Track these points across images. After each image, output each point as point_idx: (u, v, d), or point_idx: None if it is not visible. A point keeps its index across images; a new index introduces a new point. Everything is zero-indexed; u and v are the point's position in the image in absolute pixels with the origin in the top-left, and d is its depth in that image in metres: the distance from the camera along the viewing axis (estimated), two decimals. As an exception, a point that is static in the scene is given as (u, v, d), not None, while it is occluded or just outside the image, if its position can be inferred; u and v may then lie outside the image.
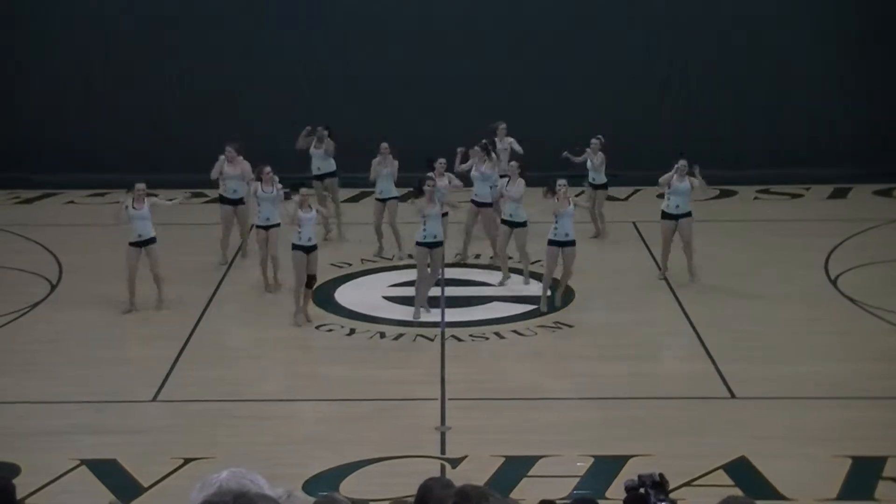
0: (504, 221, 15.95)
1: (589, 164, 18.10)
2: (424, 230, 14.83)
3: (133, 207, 14.95)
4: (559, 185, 14.98)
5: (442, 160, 16.37)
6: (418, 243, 14.91)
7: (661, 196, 16.96)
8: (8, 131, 21.93)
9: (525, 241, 15.87)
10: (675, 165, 15.99)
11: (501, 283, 16.09)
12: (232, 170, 16.78)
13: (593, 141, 18.04)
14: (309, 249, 14.61)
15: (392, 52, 21.87)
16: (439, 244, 15.03)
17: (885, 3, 22.00)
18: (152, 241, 14.98)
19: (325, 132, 17.98)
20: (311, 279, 14.67)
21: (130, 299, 15.08)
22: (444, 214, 15.62)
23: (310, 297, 14.95)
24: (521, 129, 20.48)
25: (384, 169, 17.13)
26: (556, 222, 14.95)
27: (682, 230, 15.95)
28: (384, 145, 17.27)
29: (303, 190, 14.79)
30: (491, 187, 16.49)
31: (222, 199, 17.10)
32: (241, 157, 16.86)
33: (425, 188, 14.96)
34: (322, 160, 17.99)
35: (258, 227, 15.81)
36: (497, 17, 21.90)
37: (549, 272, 15.13)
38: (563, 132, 19.89)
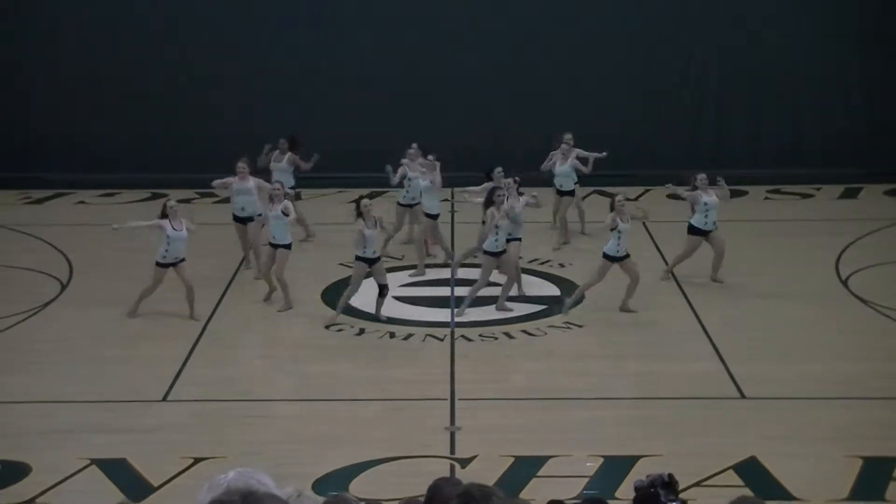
0: None
1: (557, 168, 17.56)
2: (496, 239, 14.87)
3: (174, 228, 14.71)
4: (619, 201, 14.89)
5: (499, 168, 16.34)
6: (487, 252, 14.96)
7: (672, 197, 16.99)
8: (18, 132, 22.00)
9: (518, 254, 15.81)
10: (696, 181, 15.82)
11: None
12: (241, 185, 16.44)
13: (563, 145, 17.45)
14: (373, 261, 14.71)
15: (395, 52, 21.87)
16: (504, 252, 15.11)
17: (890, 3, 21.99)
18: (182, 260, 14.86)
19: (286, 143, 17.84)
20: (383, 287, 14.86)
21: (137, 305, 14.99)
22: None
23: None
24: (529, 130, 20.57)
25: (412, 173, 17.08)
26: (620, 238, 14.70)
27: (715, 243, 15.85)
28: (412, 149, 17.20)
29: (364, 201, 14.78)
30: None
31: (234, 218, 16.67)
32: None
33: (496, 198, 14.91)
34: (282, 174, 17.68)
35: (271, 244, 15.41)
36: (500, 18, 21.88)
37: (593, 283, 15.02)
38: (576, 132, 19.93)
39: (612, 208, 14.83)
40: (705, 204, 15.71)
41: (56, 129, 21.92)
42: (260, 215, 16.07)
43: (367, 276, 14.80)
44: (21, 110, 22.12)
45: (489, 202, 15.04)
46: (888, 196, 20.85)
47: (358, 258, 14.72)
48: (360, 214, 14.63)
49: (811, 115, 21.93)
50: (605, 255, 14.84)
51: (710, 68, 21.99)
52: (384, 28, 21.93)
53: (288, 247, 15.30)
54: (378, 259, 14.85)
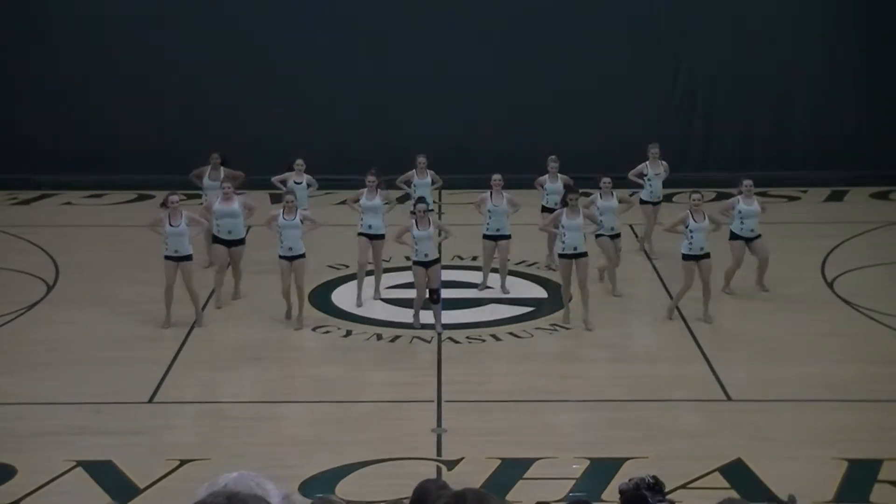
0: (487, 237, 15.71)
1: (549, 187, 16.58)
2: (564, 242, 14.61)
3: (170, 224, 14.45)
4: (695, 199, 14.71)
5: (606, 180, 15.91)
6: (561, 255, 14.75)
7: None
8: (5, 133, 21.95)
9: (508, 252, 15.75)
10: (742, 186, 15.69)
11: (481, 289, 15.98)
12: (226, 206, 15.44)
13: (552, 164, 16.70)
14: (429, 264, 14.48)
15: (392, 52, 21.88)
16: (584, 255, 14.65)
17: (885, 4, 22.05)
18: (188, 257, 14.63)
19: (219, 158, 17.15)
20: (432, 293, 14.54)
21: (167, 314, 14.60)
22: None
23: (440, 310, 14.69)
24: (520, 131, 20.58)
25: (422, 181, 16.82)
26: (692, 237, 14.58)
27: (756, 250, 15.68)
28: (421, 160, 16.88)
29: (419, 206, 14.65)
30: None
31: (215, 239, 15.65)
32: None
33: (569, 199, 14.65)
34: (214, 191, 16.64)
35: (281, 257, 14.73)
36: (489, 21, 21.89)
37: (688, 285, 14.74)
38: (563, 134, 19.96)
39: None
40: (739, 211, 15.57)
41: (43, 130, 21.88)
42: (242, 241, 15.59)
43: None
44: (8, 111, 22.06)
45: (563, 202, 14.89)
46: (874, 199, 20.92)
47: (414, 262, 14.57)
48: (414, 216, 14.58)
49: (799, 119, 22.02)
50: (683, 256, 14.74)
51: (699, 71, 22.05)
52: (374, 29, 21.93)
53: (303, 256, 14.81)
54: (434, 262, 14.58)
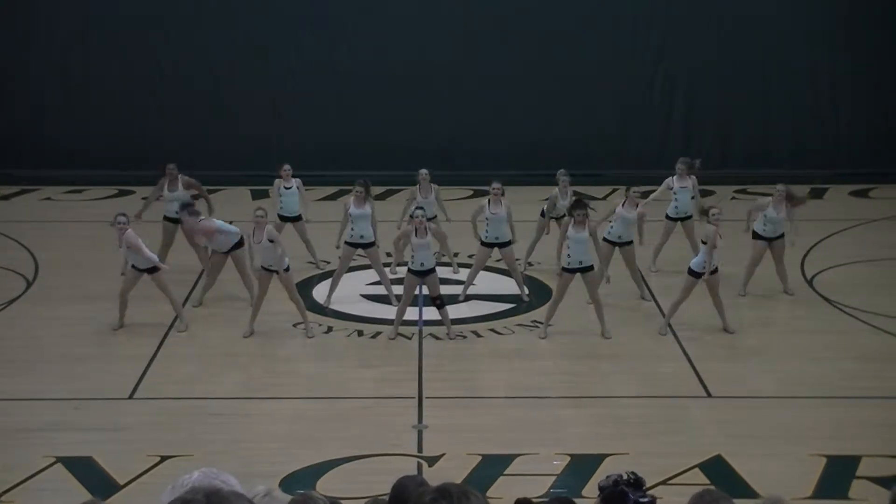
0: (485, 244, 15.50)
1: (560, 202, 16.29)
2: (570, 256, 14.22)
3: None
4: (713, 214, 14.07)
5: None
6: (565, 269, 14.36)
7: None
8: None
9: (513, 258, 15.71)
10: (775, 191, 15.52)
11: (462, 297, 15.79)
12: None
13: (563, 178, 16.30)
14: (425, 274, 14.18)
15: (387, 50, 21.84)
16: (590, 268, 14.25)
17: (863, 4, 22.15)
18: (154, 269, 14.37)
19: (176, 168, 16.50)
20: (435, 300, 14.31)
21: (120, 317, 14.43)
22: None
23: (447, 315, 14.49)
24: (500, 129, 20.58)
25: (424, 199, 16.25)
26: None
27: (776, 250, 15.55)
28: (423, 172, 16.43)
29: (418, 212, 14.36)
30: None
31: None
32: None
33: (575, 215, 14.12)
34: (171, 204, 16.26)
35: (262, 268, 14.30)
36: (477, 17, 21.90)
37: (681, 301, 14.38)
38: (542, 131, 19.94)
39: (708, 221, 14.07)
40: (765, 216, 15.47)
41: (22, 125, 21.79)
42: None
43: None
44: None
45: (569, 215, 14.57)
46: (853, 197, 21.01)
47: (409, 270, 14.27)
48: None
49: (779, 117, 22.10)
50: (691, 272, 14.25)
51: (681, 68, 22.10)
52: (355, 26, 21.90)
53: (287, 269, 14.18)
54: (431, 271, 14.23)
